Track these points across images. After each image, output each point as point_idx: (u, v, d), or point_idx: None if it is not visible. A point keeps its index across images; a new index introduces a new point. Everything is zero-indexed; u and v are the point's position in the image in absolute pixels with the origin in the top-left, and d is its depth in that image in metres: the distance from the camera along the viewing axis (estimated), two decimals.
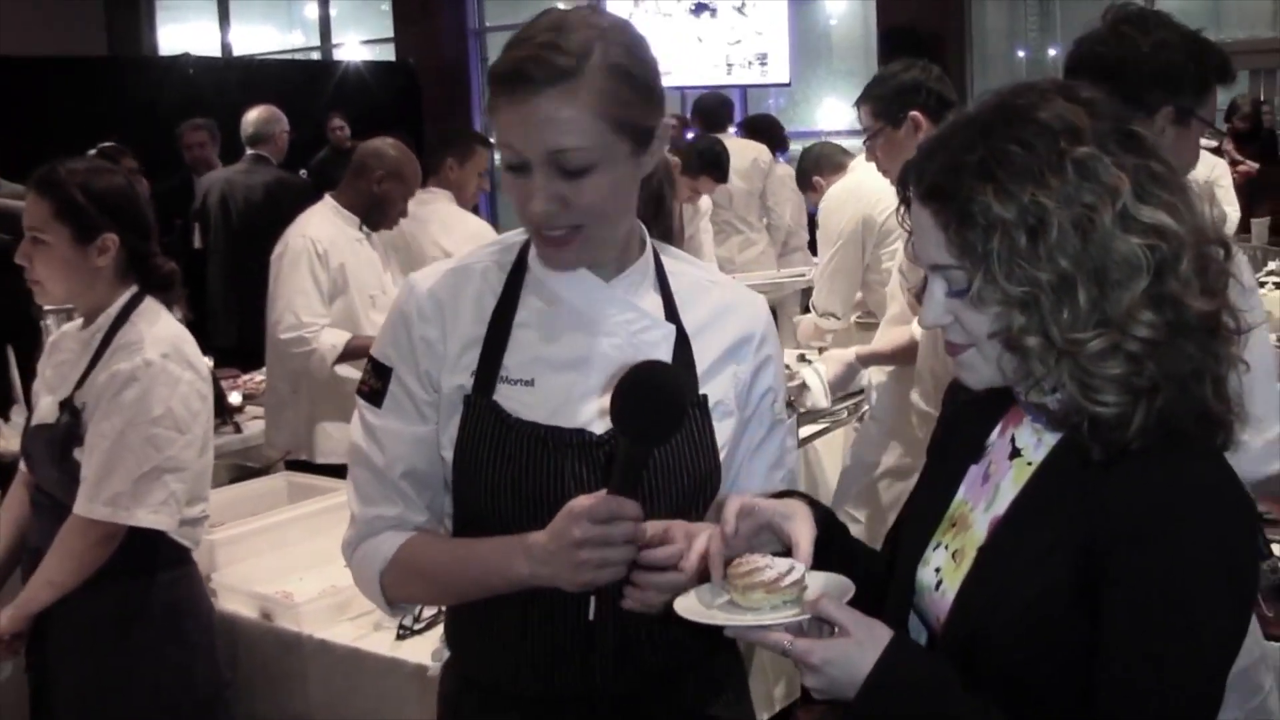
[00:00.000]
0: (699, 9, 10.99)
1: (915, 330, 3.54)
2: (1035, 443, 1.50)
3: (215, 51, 15.57)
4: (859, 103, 3.78)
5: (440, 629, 2.65)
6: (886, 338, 3.81)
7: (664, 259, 1.83)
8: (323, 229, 4.38)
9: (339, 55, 14.88)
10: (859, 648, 1.39)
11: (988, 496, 1.53)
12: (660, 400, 1.53)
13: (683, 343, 1.78)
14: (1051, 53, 12.01)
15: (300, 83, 12.05)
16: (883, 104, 3.69)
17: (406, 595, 1.84)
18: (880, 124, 3.70)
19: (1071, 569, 1.38)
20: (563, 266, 1.72)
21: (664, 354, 1.75)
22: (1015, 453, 1.51)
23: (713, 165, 6.28)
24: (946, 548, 1.55)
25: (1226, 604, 1.35)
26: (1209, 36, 2.28)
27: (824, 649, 1.39)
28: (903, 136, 3.65)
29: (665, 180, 2.72)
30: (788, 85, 11.55)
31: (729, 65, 11.04)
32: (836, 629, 1.41)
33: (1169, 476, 1.36)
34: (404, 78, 13.26)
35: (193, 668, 2.84)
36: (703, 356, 1.79)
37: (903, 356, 3.71)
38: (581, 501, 1.56)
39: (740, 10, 11.02)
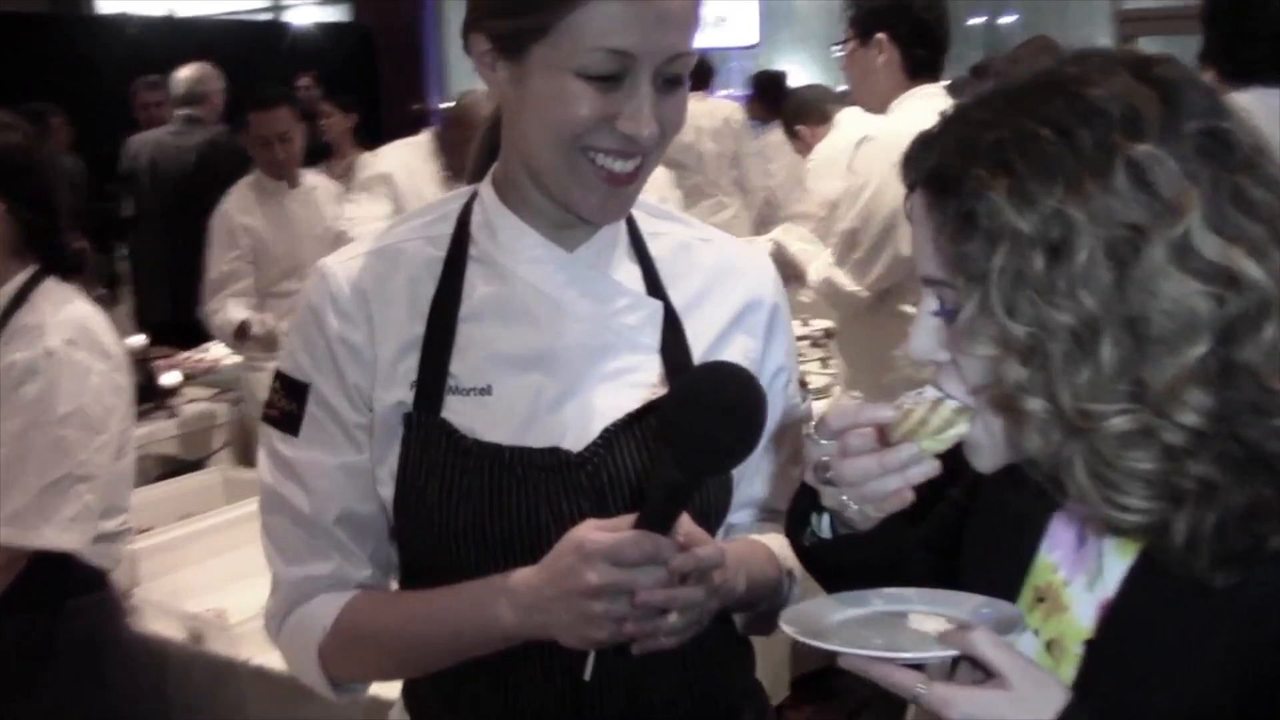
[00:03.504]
0: None
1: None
2: None
3: (159, 13, 15.09)
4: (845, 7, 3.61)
5: None
6: None
7: (638, 216, 1.50)
8: None
9: (290, 17, 14.46)
10: (1020, 705, 1.03)
11: (1089, 569, 1.18)
12: (731, 416, 1.22)
13: (672, 323, 1.46)
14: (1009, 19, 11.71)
15: (249, 45, 11.66)
16: (860, 14, 3.49)
17: (355, 671, 1.49)
18: (852, 33, 3.49)
19: (1231, 676, 1.04)
20: (619, 214, 1.42)
21: (649, 338, 1.44)
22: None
23: None
24: (1037, 634, 1.20)
25: None
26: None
27: (969, 701, 1.04)
28: (870, 57, 3.45)
29: None
30: (754, 47, 11.22)
31: None
32: (992, 675, 1.05)
33: None
34: (359, 40, 12.92)
35: (113, 709, 2.47)
36: (701, 335, 1.47)
37: None
38: (597, 536, 1.23)
39: None
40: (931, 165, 1.08)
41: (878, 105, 3.50)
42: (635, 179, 1.36)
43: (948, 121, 1.10)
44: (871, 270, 3.34)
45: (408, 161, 4.46)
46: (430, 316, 1.42)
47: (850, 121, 4.10)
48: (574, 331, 1.42)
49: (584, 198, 1.35)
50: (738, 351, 1.48)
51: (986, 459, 1.14)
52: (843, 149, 4.06)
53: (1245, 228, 1.01)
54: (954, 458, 1.18)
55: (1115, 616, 1.14)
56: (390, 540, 1.47)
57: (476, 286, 1.43)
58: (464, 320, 1.42)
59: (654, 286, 1.47)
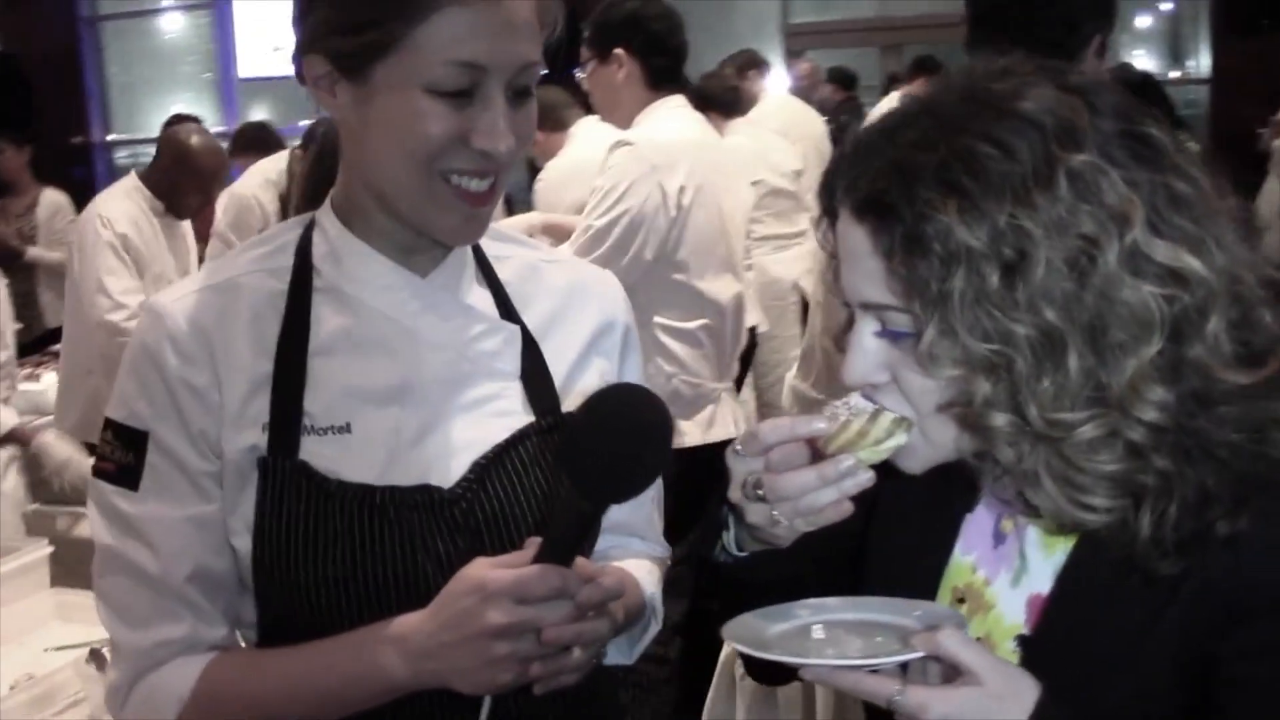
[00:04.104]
0: None
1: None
2: None
3: None
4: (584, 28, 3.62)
5: None
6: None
7: (482, 241, 1.45)
8: None
9: None
10: (996, 702, 1.04)
11: (1010, 566, 1.21)
12: (638, 438, 1.18)
13: (530, 347, 1.42)
14: None
15: None
16: (595, 31, 3.50)
17: None
18: (590, 53, 3.51)
19: (1180, 661, 1.08)
20: (477, 235, 1.38)
21: (509, 364, 1.40)
22: (1032, 508, 1.17)
23: None
24: None
25: None
26: None
27: (947, 701, 1.04)
28: (610, 73, 3.47)
29: None
30: None
31: None
32: (961, 675, 1.05)
33: None
34: (7, 70, 12.14)
35: None
36: (559, 359, 1.44)
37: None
38: (498, 574, 1.18)
39: None
40: (866, 192, 1.07)
41: (624, 120, 3.51)
42: (492, 197, 1.32)
43: (869, 146, 1.10)
44: (610, 267, 3.32)
45: (131, 215, 4.39)
46: (278, 353, 1.33)
47: (589, 132, 4.07)
48: (432, 361, 1.36)
49: (442, 220, 1.30)
50: (595, 374, 1.46)
51: (918, 463, 1.16)
52: (586, 159, 4.03)
53: (1182, 226, 1.05)
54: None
55: (1052, 610, 1.16)
56: (242, 594, 1.36)
57: (325, 319, 1.36)
58: (315, 355, 1.34)
59: (506, 311, 1.43)
